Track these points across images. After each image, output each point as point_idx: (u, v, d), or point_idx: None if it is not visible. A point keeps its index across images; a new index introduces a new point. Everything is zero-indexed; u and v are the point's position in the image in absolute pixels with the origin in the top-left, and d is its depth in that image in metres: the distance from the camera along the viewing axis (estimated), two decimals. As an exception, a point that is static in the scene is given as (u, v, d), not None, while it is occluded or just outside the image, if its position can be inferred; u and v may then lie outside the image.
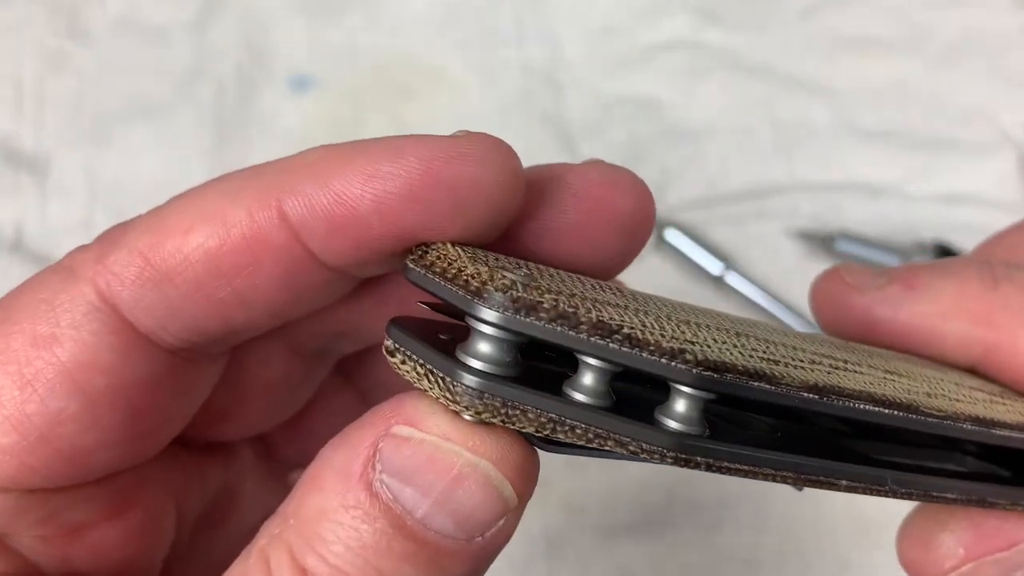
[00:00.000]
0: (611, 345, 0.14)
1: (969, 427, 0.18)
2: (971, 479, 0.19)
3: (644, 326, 0.14)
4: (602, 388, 0.15)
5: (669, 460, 0.15)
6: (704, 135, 0.50)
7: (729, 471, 0.15)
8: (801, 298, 0.46)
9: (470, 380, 0.14)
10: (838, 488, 0.17)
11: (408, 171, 0.16)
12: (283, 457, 0.24)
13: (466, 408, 0.14)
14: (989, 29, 0.53)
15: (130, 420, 0.17)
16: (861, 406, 0.16)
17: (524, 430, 0.15)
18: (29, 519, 0.17)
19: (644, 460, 0.15)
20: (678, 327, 0.15)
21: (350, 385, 0.24)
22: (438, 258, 0.16)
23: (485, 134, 0.17)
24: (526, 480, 0.16)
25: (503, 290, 0.14)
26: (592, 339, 0.14)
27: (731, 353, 0.15)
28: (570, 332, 0.14)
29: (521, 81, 0.51)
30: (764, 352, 0.15)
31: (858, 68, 0.52)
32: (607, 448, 0.15)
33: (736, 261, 0.46)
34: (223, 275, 0.16)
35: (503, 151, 0.17)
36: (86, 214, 0.47)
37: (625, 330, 0.14)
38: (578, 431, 0.14)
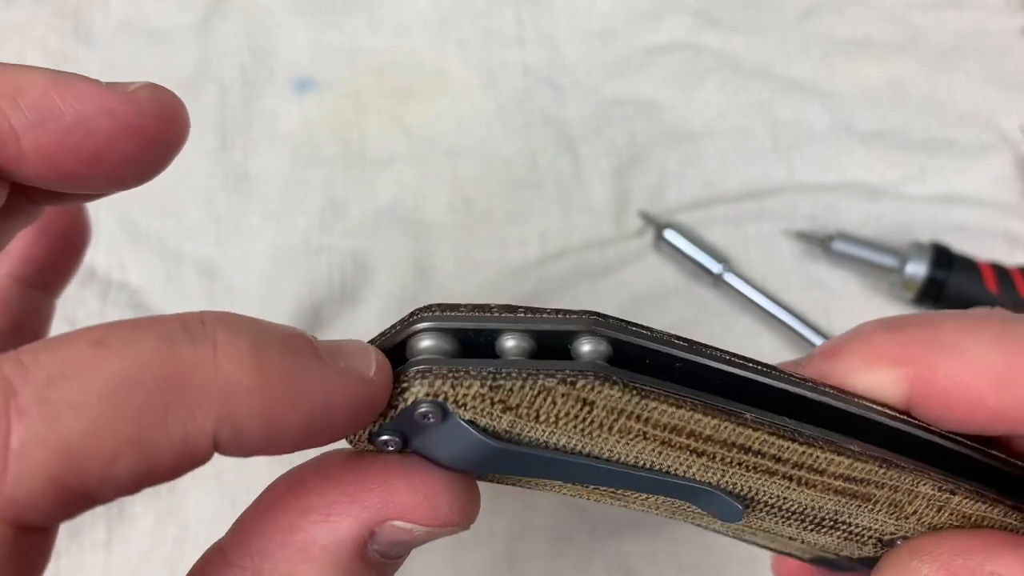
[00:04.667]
0: (517, 315, 0.18)
1: (828, 390, 0.20)
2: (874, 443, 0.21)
3: (538, 307, 0.19)
4: (524, 348, 0.18)
5: (591, 379, 0.17)
6: (703, 136, 0.50)
7: (643, 392, 0.18)
8: (799, 299, 0.46)
9: (418, 361, 0.17)
10: (744, 422, 0.19)
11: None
12: None
13: (420, 386, 0.17)
14: (986, 31, 0.53)
15: None
16: (727, 357, 0.19)
17: (471, 389, 0.17)
18: None
19: (573, 405, 0.18)
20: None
21: None
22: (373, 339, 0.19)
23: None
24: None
25: (426, 308, 0.18)
26: (502, 314, 0.18)
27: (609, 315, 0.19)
28: (484, 314, 0.18)
29: (521, 82, 0.51)
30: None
31: (855, 70, 0.52)
32: (540, 389, 0.17)
33: (734, 261, 0.47)
34: None
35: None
36: (90, 214, 0.47)
37: (524, 307, 0.18)
38: (514, 374, 0.17)
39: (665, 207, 0.48)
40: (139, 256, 0.47)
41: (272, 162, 0.49)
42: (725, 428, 0.19)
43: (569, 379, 0.17)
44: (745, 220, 0.48)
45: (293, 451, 0.16)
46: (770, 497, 0.20)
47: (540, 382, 0.17)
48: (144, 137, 0.19)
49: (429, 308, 0.18)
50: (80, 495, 0.14)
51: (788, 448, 0.19)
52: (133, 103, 0.18)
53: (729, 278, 0.46)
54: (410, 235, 0.47)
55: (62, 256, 0.27)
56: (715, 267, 0.46)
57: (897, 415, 0.21)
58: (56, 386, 0.14)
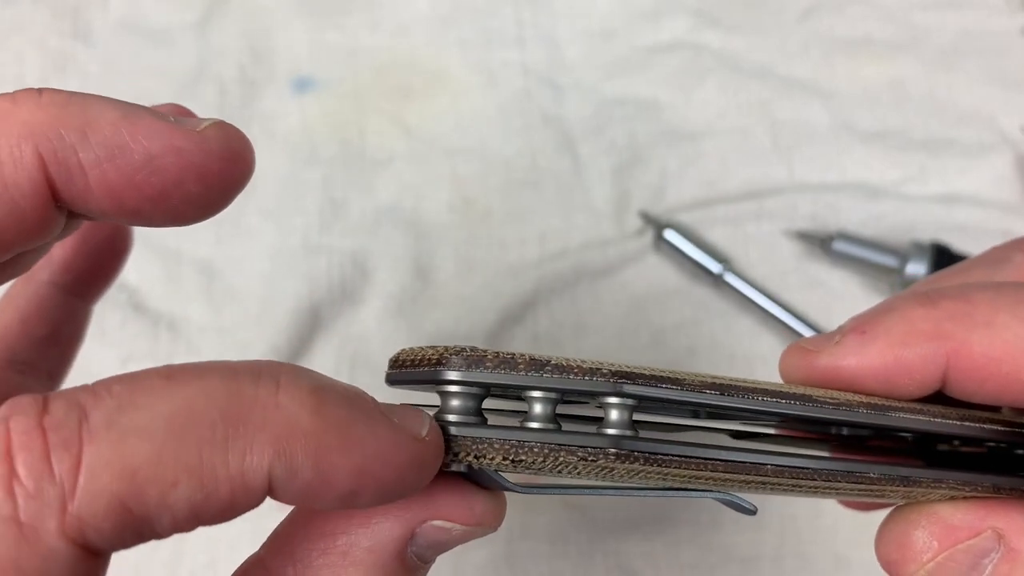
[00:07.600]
0: (544, 375, 0.18)
1: (864, 412, 0.21)
2: (893, 463, 0.21)
3: (567, 359, 0.19)
4: (548, 414, 0.18)
5: (611, 457, 0.18)
6: (703, 136, 0.50)
7: (662, 462, 0.19)
8: (799, 299, 0.46)
9: (448, 423, 0.18)
10: (765, 474, 0.19)
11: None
12: None
13: (447, 452, 0.18)
14: (987, 31, 0.53)
15: None
16: (760, 399, 0.20)
17: (494, 460, 0.18)
18: None
19: (593, 468, 0.18)
20: (593, 359, 0.19)
21: None
22: (404, 355, 0.19)
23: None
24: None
25: (456, 353, 0.18)
26: (529, 373, 0.18)
27: (639, 367, 0.19)
28: (511, 372, 0.18)
29: (522, 82, 0.51)
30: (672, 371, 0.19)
31: (856, 70, 0.52)
32: (561, 462, 0.18)
33: (735, 261, 0.47)
34: None
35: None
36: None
37: (553, 362, 0.18)
38: (535, 449, 0.18)
39: (665, 207, 0.48)
40: (138, 255, 0.46)
41: (271, 162, 0.49)
42: (747, 478, 0.20)
43: (590, 457, 0.18)
44: (745, 220, 0.48)
45: (342, 506, 0.17)
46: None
47: (561, 459, 0.18)
48: (210, 177, 0.18)
49: (459, 352, 0.18)
50: (139, 520, 0.15)
51: (808, 483, 0.20)
52: (201, 142, 0.18)
53: (729, 278, 0.46)
54: (410, 235, 0.47)
55: (103, 264, 0.28)
56: (715, 267, 0.46)
57: (923, 417, 0.21)
58: (126, 412, 0.15)
